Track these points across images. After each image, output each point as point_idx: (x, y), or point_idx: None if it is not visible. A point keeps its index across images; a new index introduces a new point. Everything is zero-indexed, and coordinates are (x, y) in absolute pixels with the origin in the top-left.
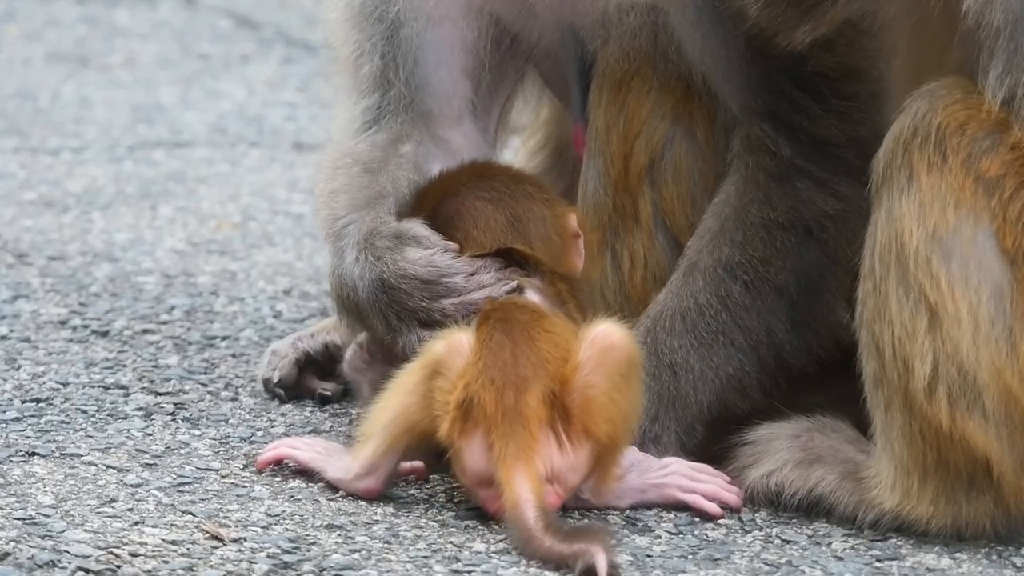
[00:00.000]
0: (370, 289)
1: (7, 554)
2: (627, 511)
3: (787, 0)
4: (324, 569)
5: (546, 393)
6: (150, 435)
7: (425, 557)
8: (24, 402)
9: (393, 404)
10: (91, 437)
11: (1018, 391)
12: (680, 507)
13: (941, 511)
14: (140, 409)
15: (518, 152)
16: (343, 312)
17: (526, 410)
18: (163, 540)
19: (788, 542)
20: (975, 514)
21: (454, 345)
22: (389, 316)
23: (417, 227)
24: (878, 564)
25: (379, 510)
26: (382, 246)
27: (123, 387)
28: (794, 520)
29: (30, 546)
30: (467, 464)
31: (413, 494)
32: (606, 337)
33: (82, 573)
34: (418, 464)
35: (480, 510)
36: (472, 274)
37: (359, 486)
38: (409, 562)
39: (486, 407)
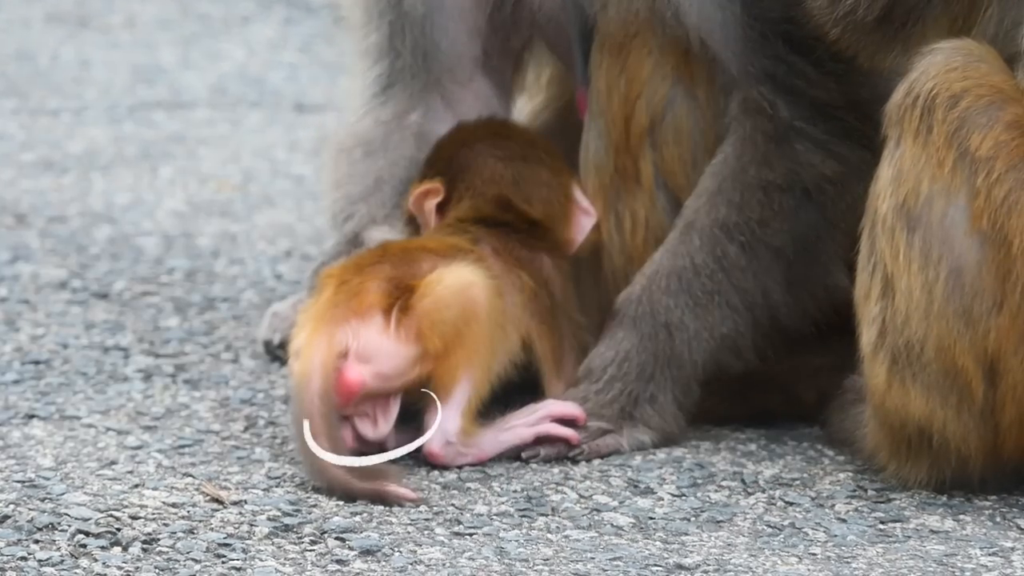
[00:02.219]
0: None
1: (6, 517)
2: (629, 473)
3: (872, 24)
4: (325, 531)
5: (389, 284)
6: (150, 397)
7: (426, 519)
8: (24, 364)
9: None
10: (91, 399)
11: (968, 368)
12: (682, 468)
13: (890, 462)
14: (140, 371)
15: (521, 113)
16: None
17: (358, 286)
18: (163, 503)
19: (791, 504)
20: (917, 473)
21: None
22: None
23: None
24: (881, 526)
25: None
26: (343, 252)
27: (123, 349)
28: (797, 482)
29: (30, 509)
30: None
31: (415, 456)
32: (469, 277)
33: (82, 536)
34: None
35: (483, 471)
36: None
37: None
38: (410, 524)
39: (328, 277)
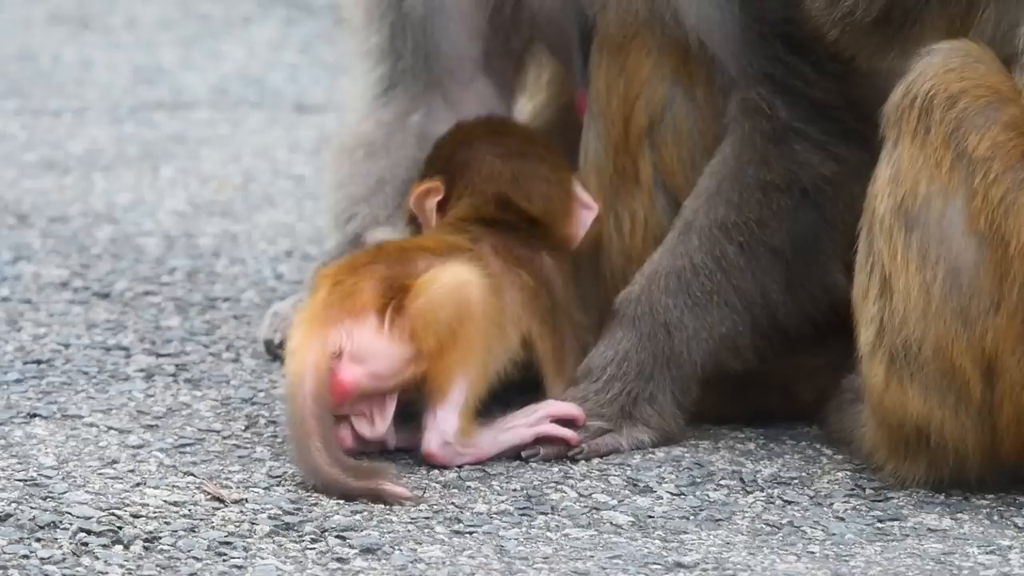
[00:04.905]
0: None
1: (9, 515)
2: (628, 472)
3: (870, 25)
4: (326, 530)
5: (383, 284)
6: (151, 396)
7: (427, 518)
8: (25, 363)
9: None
10: (92, 398)
11: (966, 367)
12: (681, 466)
13: (888, 461)
14: (141, 370)
15: (521, 113)
16: None
17: (352, 287)
18: (164, 501)
19: (789, 503)
20: (915, 472)
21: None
22: None
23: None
24: (879, 524)
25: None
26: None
27: (124, 348)
28: (795, 481)
29: (31, 507)
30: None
31: (415, 455)
32: (464, 275)
33: (83, 534)
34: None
35: (483, 470)
36: None
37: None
38: (411, 523)
39: (323, 278)
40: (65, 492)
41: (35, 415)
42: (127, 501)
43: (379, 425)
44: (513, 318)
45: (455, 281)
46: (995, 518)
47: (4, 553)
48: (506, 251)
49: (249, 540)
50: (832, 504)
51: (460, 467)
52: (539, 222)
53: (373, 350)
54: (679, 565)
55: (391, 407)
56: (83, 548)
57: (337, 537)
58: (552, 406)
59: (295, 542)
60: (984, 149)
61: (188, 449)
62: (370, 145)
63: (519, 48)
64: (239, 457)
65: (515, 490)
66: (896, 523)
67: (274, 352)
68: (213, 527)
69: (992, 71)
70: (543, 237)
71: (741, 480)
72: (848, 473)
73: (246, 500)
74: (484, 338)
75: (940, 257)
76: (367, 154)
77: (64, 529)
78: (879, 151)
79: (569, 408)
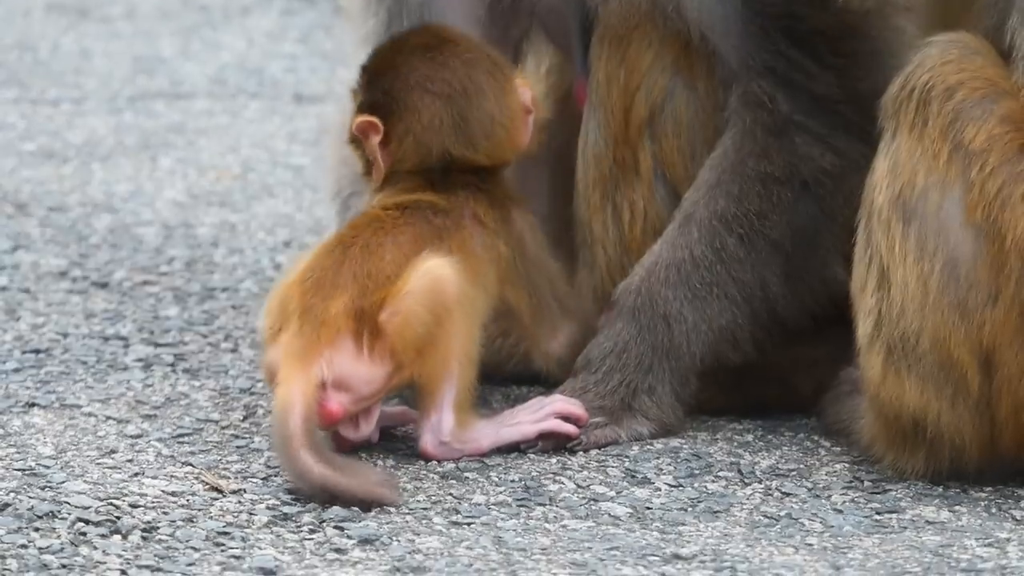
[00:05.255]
0: None
1: (7, 505)
2: (627, 463)
3: None
4: (324, 521)
5: (354, 305)
6: (150, 386)
7: (424, 509)
8: (24, 353)
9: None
10: (91, 388)
11: (964, 360)
12: (679, 458)
13: (886, 453)
14: (140, 360)
15: None
16: None
17: (323, 314)
18: (163, 491)
19: (788, 495)
20: (913, 464)
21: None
22: None
23: None
24: (877, 517)
25: (379, 462)
26: None
27: (123, 338)
28: (793, 473)
29: (30, 497)
30: (267, 358)
31: (413, 446)
32: (436, 271)
33: (82, 524)
34: (397, 410)
35: (481, 461)
36: None
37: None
38: (408, 514)
39: (288, 303)
40: (63, 482)
41: (33, 404)
42: (125, 491)
43: (363, 428)
44: (490, 291)
45: (428, 285)
46: (993, 511)
47: (2, 543)
48: (483, 216)
49: (247, 530)
50: (830, 496)
51: (460, 459)
52: (487, 166)
53: (355, 376)
54: (677, 557)
55: (376, 412)
56: (81, 538)
57: (335, 528)
58: (558, 403)
59: (293, 532)
60: (981, 141)
61: (186, 439)
62: None
63: (518, 37)
64: (237, 447)
65: (513, 481)
66: (894, 515)
67: None
68: (211, 517)
69: (990, 63)
70: (500, 182)
71: (739, 472)
72: (846, 465)
73: (244, 490)
74: (464, 329)
75: (938, 249)
76: None
77: (62, 519)
78: (878, 144)
79: (574, 407)
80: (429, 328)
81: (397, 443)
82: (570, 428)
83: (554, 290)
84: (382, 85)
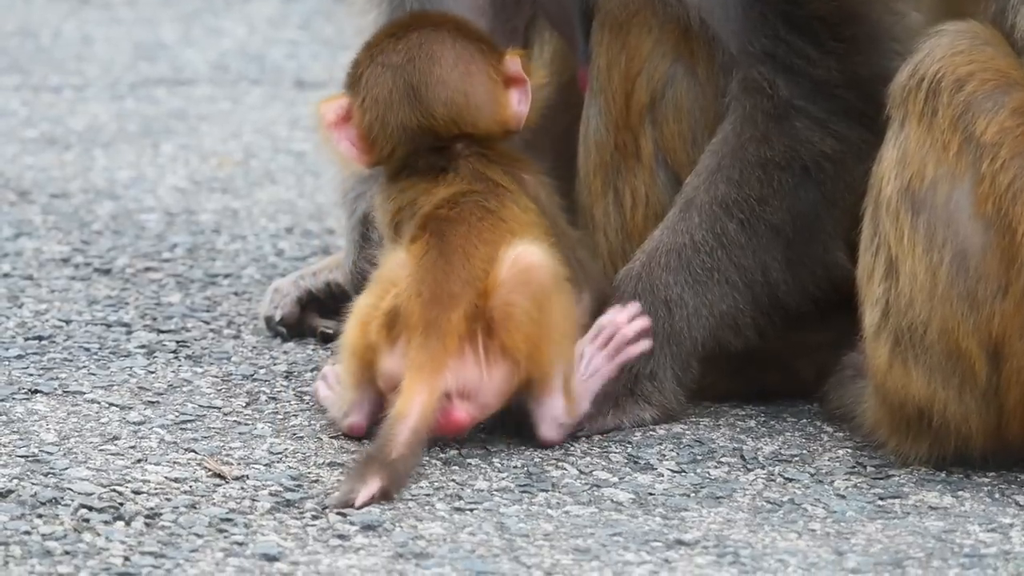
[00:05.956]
0: (344, 281)
1: (10, 491)
2: (629, 449)
3: None
4: (326, 507)
5: (470, 309)
6: (152, 373)
7: (427, 495)
8: (27, 340)
9: (347, 333)
10: (93, 375)
11: (972, 351)
12: (681, 444)
13: (890, 439)
14: (142, 347)
15: None
16: None
17: (446, 324)
18: (166, 478)
19: (790, 480)
20: (917, 450)
21: (396, 260)
22: None
23: None
24: (880, 502)
25: None
26: (354, 238)
27: (125, 325)
28: (796, 458)
29: (33, 483)
30: (383, 367)
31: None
32: (527, 257)
33: (85, 510)
34: None
35: (484, 447)
36: None
37: (344, 424)
38: (411, 500)
39: (409, 317)
40: (66, 468)
41: (36, 391)
42: (128, 477)
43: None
44: None
45: (521, 273)
46: (996, 496)
47: (5, 529)
48: (500, 181)
49: (250, 517)
50: (833, 482)
51: (461, 444)
52: (478, 136)
53: (478, 385)
54: (680, 542)
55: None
56: (84, 524)
57: (338, 514)
58: (615, 328)
59: (296, 519)
60: (992, 134)
61: (189, 426)
62: None
63: (521, 25)
64: (240, 434)
65: (516, 467)
66: (897, 501)
67: (275, 329)
68: (214, 504)
69: (1000, 54)
70: (493, 145)
71: (742, 457)
72: (849, 451)
73: (247, 477)
74: (563, 306)
75: (947, 240)
76: None
77: (65, 505)
78: (881, 130)
79: (631, 324)
80: (530, 316)
81: None
82: (643, 347)
83: (576, 253)
84: (352, 69)
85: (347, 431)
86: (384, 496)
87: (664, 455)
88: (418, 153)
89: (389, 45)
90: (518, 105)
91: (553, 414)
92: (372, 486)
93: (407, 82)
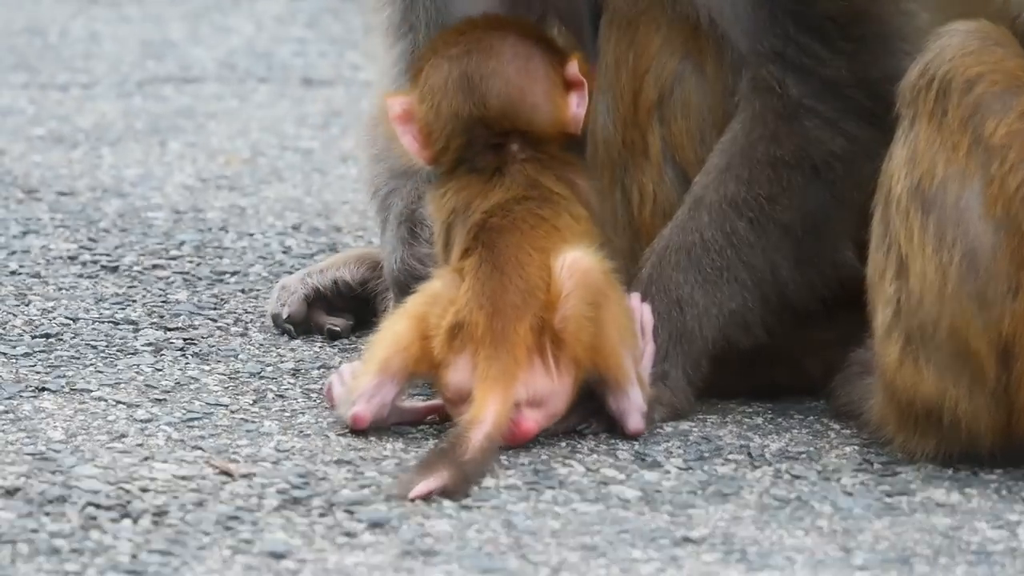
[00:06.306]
0: (387, 279)
1: (17, 489)
2: (636, 446)
3: None
4: (334, 504)
5: (535, 321)
6: (160, 370)
7: None
8: (34, 337)
9: (385, 332)
10: (101, 372)
11: (981, 350)
12: (688, 441)
13: (897, 435)
14: (150, 344)
15: None
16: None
17: (514, 336)
18: (173, 475)
19: (797, 477)
20: (925, 447)
21: (448, 278)
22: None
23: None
24: (888, 499)
25: (389, 445)
26: (400, 236)
27: (133, 322)
28: (803, 455)
29: (40, 481)
30: (450, 380)
31: (423, 430)
32: (578, 264)
33: (92, 508)
34: (437, 403)
35: None
36: None
37: (349, 412)
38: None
39: (475, 330)
40: (73, 466)
41: (43, 389)
42: (135, 475)
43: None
44: None
45: (580, 281)
46: (1004, 493)
47: (13, 527)
48: (554, 187)
49: (257, 514)
50: (840, 479)
51: None
52: (504, 120)
53: (549, 393)
54: (687, 540)
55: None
56: (92, 522)
57: (345, 511)
58: (646, 316)
59: (303, 516)
60: (1001, 136)
61: (196, 423)
62: None
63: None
64: (247, 431)
65: (523, 464)
66: (904, 498)
67: (282, 326)
68: (221, 501)
69: (1010, 55)
70: (547, 146)
71: (749, 455)
72: (856, 448)
73: (254, 474)
74: (620, 303)
75: (957, 240)
76: None
77: (73, 503)
78: (891, 129)
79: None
80: (595, 322)
81: (406, 427)
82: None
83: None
84: (415, 63)
85: (350, 421)
86: (448, 494)
87: (671, 452)
88: (473, 149)
89: (451, 39)
90: (576, 108)
91: (636, 405)
92: (433, 481)
93: (462, 71)
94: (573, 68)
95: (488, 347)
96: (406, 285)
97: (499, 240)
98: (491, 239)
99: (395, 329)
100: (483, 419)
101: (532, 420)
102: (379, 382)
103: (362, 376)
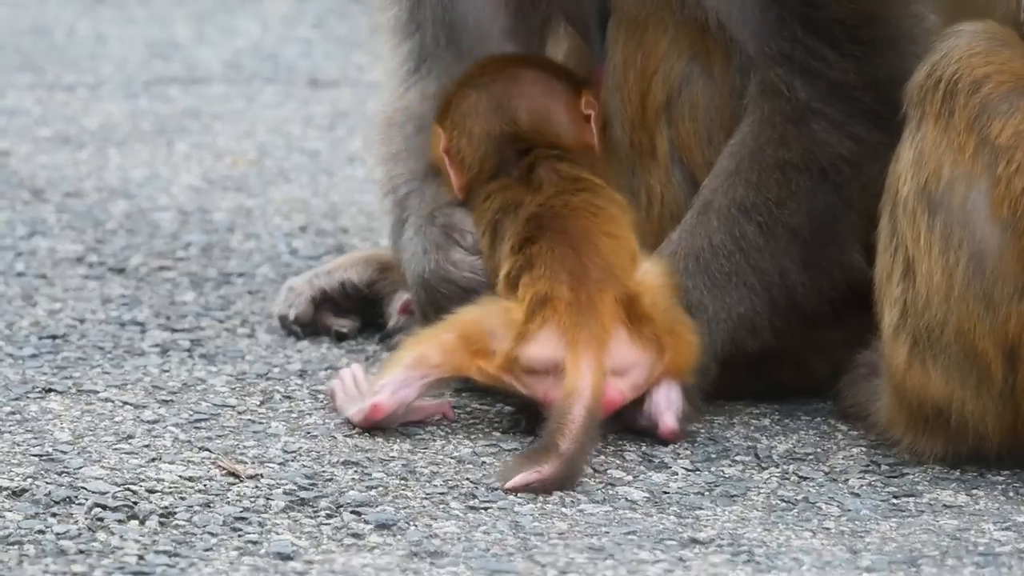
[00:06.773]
0: (414, 281)
1: (24, 490)
2: (644, 447)
3: None
4: (341, 505)
5: (619, 295)
6: (167, 372)
7: (441, 493)
8: (41, 338)
9: (428, 337)
10: (108, 373)
11: (988, 351)
12: (696, 442)
13: (904, 436)
14: (156, 346)
15: None
16: (400, 276)
17: (600, 305)
18: (180, 476)
19: (804, 479)
20: (932, 447)
21: (492, 304)
22: (427, 310)
23: (467, 221)
24: (895, 500)
25: (395, 446)
26: (432, 239)
27: (139, 324)
28: (810, 456)
29: (47, 482)
30: (533, 350)
31: (431, 431)
32: (656, 269)
33: (99, 509)
34: (444, 403)
35: (498, 446)
36: None
37: (368, 403)
38: (425, 498)
39: (560, 302)
40: (80, 467)
41: (50, 390)
42: (142, 476)
43: None
44: None
45: (659, 279)
46: (1011, 494)
47: (20, 528)
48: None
49: (264, 515)
50: (847, 480)
51: (475, 442)
52: (537, 135)
53: (633, 363)
54: (694, 541)
55: None
56: (98, 523)
57: (352, 513)
58: None
59: (310, 517)
60: (1007, 137)
61: (203, 424)
62: (420, 119)
63: (539, 23)
64: (254, 432)
65: None
66: (911, 499)
67: (289, 327)
68: (228, 502)
69: (1017, 56)
70: (572, 157)
71: (756, 456)
72: (863, 449)
73: (261, 475)
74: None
75: (963, 241)
76: (417, 128)
77: (79, 504)
78: (899, 131)
79: None
80: (675, 310)
81: (413, 427)
82: None
83: None
84: (441, 102)
85: (368, 410)
86: (548, 489)
87: (678, 454)
88: (508, 162)
89: (473, 72)
90: (590, 135)
91: (676, 406)
92: (531, 475)
93: (490, 95)
94: (588, 101)
95: (575, 315)
96: (435, 289)
97: (568, 225)
98: (559, 225)
99: (439, 337)
100: (580, 390)
101: (617, 390)
102: (407, 378)
103: (390, 369)
